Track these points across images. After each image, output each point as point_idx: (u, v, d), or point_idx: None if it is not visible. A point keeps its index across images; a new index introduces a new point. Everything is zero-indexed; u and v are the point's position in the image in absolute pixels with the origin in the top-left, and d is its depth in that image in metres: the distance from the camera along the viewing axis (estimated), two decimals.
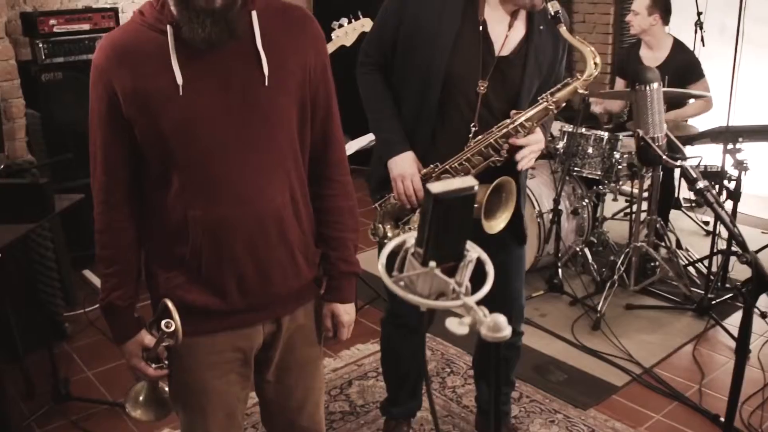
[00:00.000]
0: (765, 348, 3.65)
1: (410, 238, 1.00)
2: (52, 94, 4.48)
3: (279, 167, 1.76)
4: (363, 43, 2.50)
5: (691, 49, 4.63)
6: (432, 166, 2.34)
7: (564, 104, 2.31)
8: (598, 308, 3.92)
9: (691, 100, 4.55)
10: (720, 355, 3.68)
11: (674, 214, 4.90)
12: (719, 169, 4.17)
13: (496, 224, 2.32)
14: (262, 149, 1.73)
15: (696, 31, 4.78)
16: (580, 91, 2.26)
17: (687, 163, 1.75)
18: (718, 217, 1.81)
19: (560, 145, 4.23)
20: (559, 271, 4.23)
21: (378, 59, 2.41)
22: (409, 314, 2.62)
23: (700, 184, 1.75)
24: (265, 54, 1.70)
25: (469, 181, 0.91)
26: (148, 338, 1.81)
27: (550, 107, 2.25)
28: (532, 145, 2.27)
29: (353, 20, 3.77)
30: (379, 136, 2.47)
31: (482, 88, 2.29)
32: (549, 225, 4.15)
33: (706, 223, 5.14)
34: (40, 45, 4.49)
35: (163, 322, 1.68)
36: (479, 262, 1.03)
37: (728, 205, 4.13)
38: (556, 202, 4.07)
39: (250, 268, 1.76)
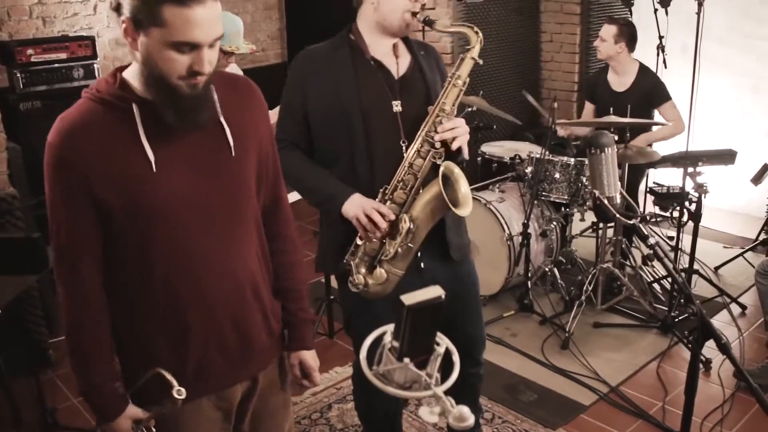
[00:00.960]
0: (725, 365, 3.83)
1: (387, 333, 1.13)
2: (31, 123, 4.56)
3: (248, 232, 1.85)
4: (276, 124, 2.59)
5: (655, 69, 4.80)
6: (381, 191, 2.42)
7: (468, 79, 2.43)
8: (567, 328, 4.08)
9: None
10: (682, 372, 3.84)
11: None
12: (681, 190, 4.35)
13: (465, 207, 2.38)
14: (233, 218, 1.80)
15: (658, 54, 4.96)
16: (476, 59, 2.42)
17: (638, 221, 1.90)
18: (668, 272, 1.96)
19: (528, 170, 4.38)
20: (530, 291, 4.38)
21: (294, 137, 2.51)
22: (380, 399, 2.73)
23: (652, 240, 1.90)
24: (228, 126, 1.77)
25: (436, 291, 1.04)
26: (136, 410, 1.80)
27: (457, 84, 2.40)
28: (459, 127, 2.39)
29: None
30: (320, 199, 2.52)
31: (397, 106, 2.45)
32: (519, 248, 4.30)
33: (671, 238, 5.32)
34: (18, 75, 4.57)
35: (174, 390, 1.69)
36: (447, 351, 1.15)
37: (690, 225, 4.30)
38: (525, 225, 4.22)
39: (232, 334, 1.84)
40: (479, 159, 4.88)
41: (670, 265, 1.90)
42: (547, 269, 4.53)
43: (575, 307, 4.16)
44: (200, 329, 1.80)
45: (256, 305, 1.89)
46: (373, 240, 2.40)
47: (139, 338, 1.81)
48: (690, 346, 1.99)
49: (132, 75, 1.69)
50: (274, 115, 3.83)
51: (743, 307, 4.43)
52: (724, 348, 1.90)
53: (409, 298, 1.02)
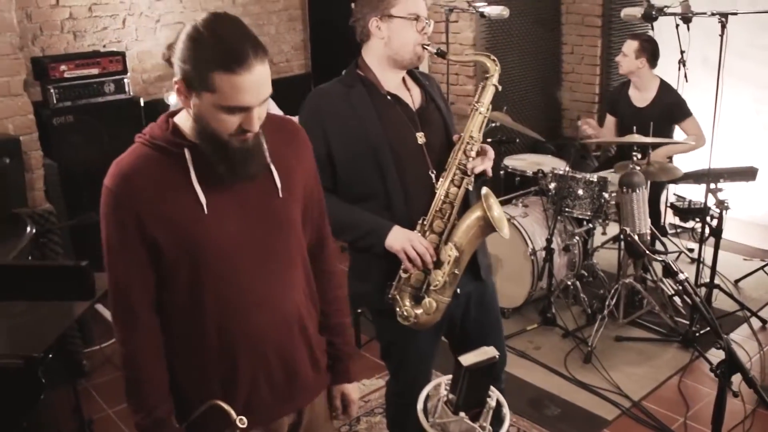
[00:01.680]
0: None
1: (442, 384, 1.21)
2: (64, 137, 4.66)
3: (294, 270, 1.92)
4: None
5: (676, 84, 4.85)
6: (419, 223, 2.47)
7: (491, 107, 2.52)
8: (590, 342, 4.15)
9: (683, 136, 4.80)
10: (703, 387, 3.91)
11: (660, 242, 5.13)
12: (702, 206, 4.41)
13: (504, 228, 2.45)
14: (280, 256, 1.87)
15: (679, 68, 5.00)
16: (497, 86, 2.50)
17: (668, 258, 1.97)
18: (695, 307, 2.03)
19: (552, 185, 4.45)
20: (552, 305, 4.46)
21: (325, 183, 2.47)
22: (413, 393, 2.80)
23: (681, 277, 1.97)
24: (275, 169, 1.84)
25: (490, 352, 1.12)
26: None
27: (481, 111, 2.48)
28: (488, 155, 2.49)
29: None
30: (359, 235, 2.53)
31: (421, 138, 2.51)
32: (542, 263, 4.38)
33: (691, 250, 5.38)
34: (52, 90, 4.67)
35: (237, 419, 1.72)
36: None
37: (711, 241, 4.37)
38: (549, 241, 4.29)
39: (279, 369, 1.91)
40: (502, 172, 4.96)
41: (698, 300, 1.97)
42: (569, 282, 4.60)
43: (598, 322, 4.22)
44: (249, 366, 1.87)
45: (303, 341, 1.96)
46: (418, 271, 2.45)
47: (191, 374, 1.88)
48: (717, 377, 2.05)
49: (183, 121, 1.77)
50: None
51: (764, 321, 4.48)
52: (750, 382, 1.97)
53: (467, 359, 1.11)
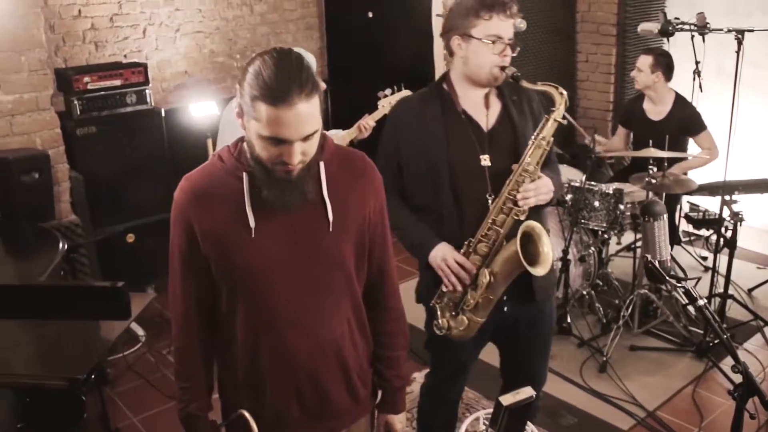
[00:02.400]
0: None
1: (480, 419, 1.28)
2: (87, 148, 4.75)
3: (338, 302, 1.99)
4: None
5: (690, 94, 4.89)
6: (466, 243, 2.52)
7: (553, 139, 2.50)
8: (605, 352, 4.21)
9: (696, 151, 4.84)
10: (717, 397, 3.97)
11: (674, 250, 5.18)
12: (717, 216, 4.46)
13: (543, 266, 2.46)
14: (321, 287, 1.95)
15: (694, 79, 5.04)
16: (560, 120, 2.49)
17: (688, 284, 2.04)
18: (716, 334, 2.10)
19: (568, 197, 4.51)
20: (567, 314, 4.52)
21: (389, 182, 2.50)
22: (448, 390, 2.89)
23: (700, 302, 2.04)
24: (330, 202, 1.90)
25: (528, 392, 1.19)
26: None
27: (541, 145, 2.46)
28: (540, 187, 2.47)
29: (396, 91, 4.10)
30: (410, 244, 2.64)
31: (485, 161, 2.53)
32: (558, 273, 4.44)
33: (705, 259, 5.43)
34: (75, 102, 4.76)
35: None
36: None
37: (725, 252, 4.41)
38: (565, 252, 4.36)
39: (309, 391, 1.99)
40: None
41: (717, 328, 2.03)
42: (584, 292, 4.67)
43: (613, 331, 4.28)
44: (278, 384, 1.97)
45: (338, 368, 2.02)
46: (457, 288, 2.51)
47: (226, 388, 2.04)
48: (735, 399, 2.11)
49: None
50: (335, 135, 4.02)
51: None
52: (767, 405, 2.03)
53: (507, 399, 1.18)
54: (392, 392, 2.18)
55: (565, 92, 2.50)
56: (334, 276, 1.97)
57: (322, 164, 1.90)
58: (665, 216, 2.30)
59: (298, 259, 1.90)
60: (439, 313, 2.56)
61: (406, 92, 4.08)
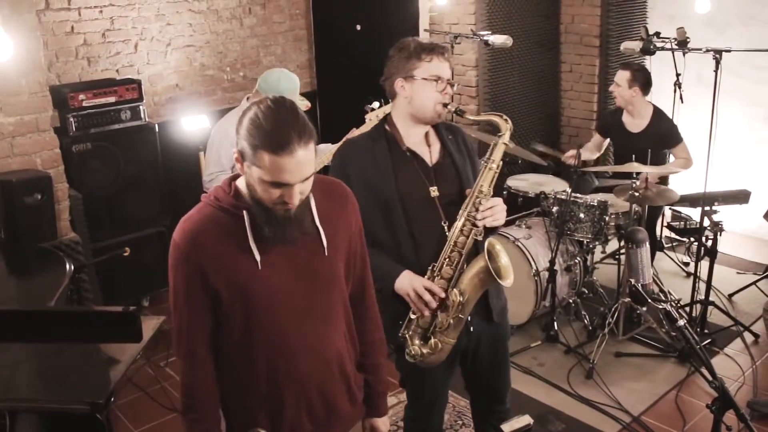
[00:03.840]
0: (740, 392, 4.10)
1: None
2: (82, 164, 4.83)
3: (337, 317, 2.16)
4: None
5: (671, 105, 5.03)
6: (429, 269, 2.66)
7: (502, 162, 2.70)
8: (591, 358, 4.35)
9: (672, 158, 5.01)
10: (699, 401, 4.11)
11: (656, 256, 5.33)
12: (698, 226, 4.62)
13: (507, 278, 2.63)
14: (324, 307, 2.11)
15: (675, 90, 5.19)
16: (507, 143, 2.68)
17: (668, 306, 2.17)
18: (696, 355, 2.24)
19: (554, 209, 4.65)
20: (555, 322, 4.66)
21: None
22: (429, 418, 3.00)
23: (681, 323, 2.17)
24: (322, 228, 2.08)
25: (527, 420, 1.32)
26: None
27: (492, 167, 2.66)
28: (496, 206, 2.64)
29: (383, 104, 4.18)
30: (377, 279, 2.61)
31: (434, 192, 2.70)
32: (545, 283, 4.58)
33: (686, 264, 5.59)
34: (71, 119, 4.83)
35: None
36: None
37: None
38: (552, 262, 4.50)
39: (319, 403, 2.15)
40: (505, 193, 5.14)
41: (697, 347, 2.17)
42: (570, 300, 4.81)
43: (599, 339, 4.43)
44: (293, 401, 2.11)
45: (341, 379, 2.19)
46: (425, 314, 2.64)
47: (240, 406, 2.15)
48: (712, 413, 2.26)
49: (243, 185, 2.01)
50: (323, 149, 4.12)
51: (756, 335, 4.68)
52: (742, 417, 2.18)
53: (508, 427, 1.30)
54: (376, 397, 2.35)
55: (509, 120, 2.70)
56: (333, 295, 2.14)
57: (311, 196, 2.05)
58: (647, 243, 2.44)
59: (302, 284, 2.06)
60: (409, 341, 2.66)
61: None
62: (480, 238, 2.63)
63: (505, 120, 2.68)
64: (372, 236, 2.70)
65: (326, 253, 2.08)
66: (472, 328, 2.77)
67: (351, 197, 2.23)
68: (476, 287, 2.62)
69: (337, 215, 2.14)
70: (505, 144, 2.67)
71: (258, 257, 1.98)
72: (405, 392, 3.06)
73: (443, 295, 2.60)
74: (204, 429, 2.11)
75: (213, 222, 1.99)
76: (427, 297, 2.60)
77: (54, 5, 5.24)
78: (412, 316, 2.67)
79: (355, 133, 4.12)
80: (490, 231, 2.68)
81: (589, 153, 5.39)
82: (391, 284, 2.66)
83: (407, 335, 2.67)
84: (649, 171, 4.42)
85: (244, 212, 1.98)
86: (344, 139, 4.03)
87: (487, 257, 2.55)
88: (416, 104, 2.67)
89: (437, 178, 2.72)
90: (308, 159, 1.89)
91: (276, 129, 1.84)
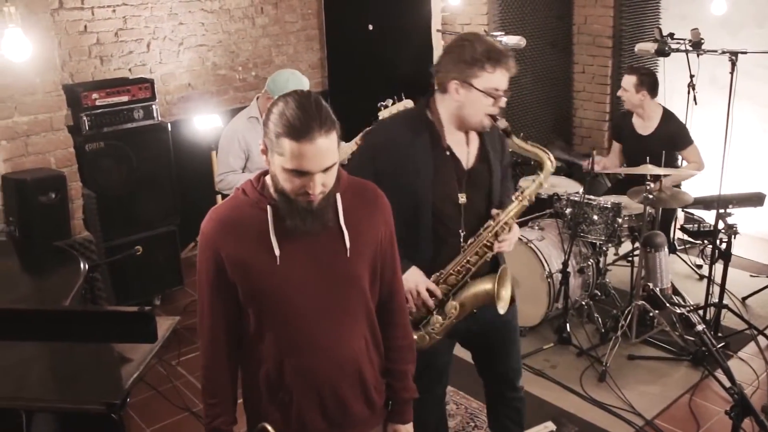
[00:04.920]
0: (755, 397, 4.07)
1: None
2: (95, 163, 4.84)
3: (355, 321, 2.14)
4: None
5: (685, 107, 5.01)
6: (436, 274, 2.68)
7: (534, 198, 2.69)
8: (604, 361, 4.34)
9: (684, 162, 4.99)
10: (713, 405, 4.09)
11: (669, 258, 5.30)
12: (712, 228, 4.59)
13: (505, 303, 2.69)
14: (341, 308, 2.10)
15: (689, 92, 5.17)
16: (545, 185, 2.69)
17: (685, 310, 2.16)
18: (714, 360, 2.22)
19: (567, 210, 4.64)
20: (567, 325, 4.64)
21: None
22: (425, 405, 2.92)
23: (699, 328, 2.16)
24: (347, 229, 2.06)
25: (548, 426, 1.31)
26: None
27: (524, 203, 2.65)
28: (514, 236, 2.69)
29: (396, 101, 4.16)
30: None
31: (462, 199, 2.66)
32: (558, 285, 4.56)
33: (699, 267, 5.55)
34: (84, 117, 4.84)
35: None
36: None
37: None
38: (565, 264, 4.48)
39: (332, 402, 2.14)
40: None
41: (714, 350, 2.16)
42: (583, 302, 4.79)
43: (612, 341, 4.41)
44: (304, 398, 2.12)
45: (357, 382, 2.17)
46: (420, 311, 2.67)
47: (252, 399, 2.18)
48: (731, 419, 2.24)
49: (270, 180, 2.04)
50: (341, 147, 4.10)
51: None
52: (762, 424, 2.16)
53: None
54: (401, 403, 2.33)
55: (553, 160, 2.66)
56: (351, 297, 2.12)
57: (338, 195, 2.07)
58: (666, 247, 2.43)
59: (319, 283, 2.06)
60: None
61: (407, 102, 4.15)
62: (488, 259, 2.68)
63: (550, 159, 2.63)
64: None
65: (348, 255, 2.07)
66: (475, 310, 2.76)
67: (382, 201, 2.20)
68: (474, 303, 2.68)
69: (364, 218, 2.13)
70: (541, 184, 2.65)
71: (277, 252, 2.00)
72: None
73: (440, 297, 2.65)
74: (220, 412, 2.14)
75: (238, 214, 2.03)
76: (427, 299, 2.63)
77: (67, 4, 5.26)
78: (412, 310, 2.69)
79: (366, 132, 4.10)
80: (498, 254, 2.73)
81: (613, 164, 5.34)
82: None
83: None
84: (663, 173, 4.39)
85: (268, 206, 2.01)
86: (360, 135, 4.06)
87: (497, 284, 2.61)
88: (465, 112, 2.59)
89: (469, 184, 2.67)
90: (329, 148, 1.91)
91: (298, 117, 1.87)
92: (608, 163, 5.28)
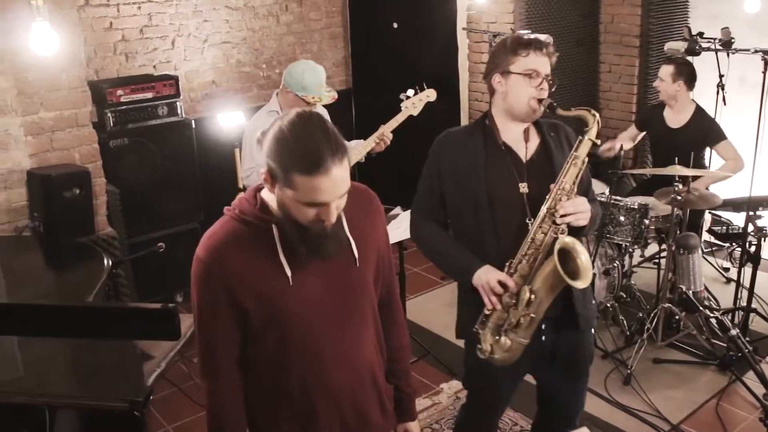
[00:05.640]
0: None
1: None
2: (119, 159, 4.85)
3: (368, 328, 2.11)
4: (415, 198, 2.83)
5: (714, 107, 4.93)
6: (507, 265, 2.58)
7: (587, 158, 2.57)
8: (629, 364, 4.27)
9: (721, 161, 4.89)
10: (741, 411, 4.01)
11: None
12: (741, 231, 4.52)
13: (583, 279, 2.52)
14: (356, 318, 2.06)
15: (718, 92, 5.09)
16: (594, 140, 2.57)
17: (719, 314, 2.11)
18: (748, 365, 2.17)
19: None
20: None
21: (431, 211, 2.75)
22: (482, 424, 2.98)
23: (733, 332, 2.11)
24: (353, 239, 1.99)
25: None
26: None
27: (576, 164, 2.54)
28: (577, 204, 2.52)
29: (419, 91, 4.14)
30: (453, 269, 2.77)
31: (523, 188, 2.62)
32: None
33: (727, 270, 5.47)
34: (109, 114, 4.85)
35: None
36: None
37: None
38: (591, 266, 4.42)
39: (352, 415, 2.11)
40: None
41: (749, 355, 2.10)
42: (608, 304, 4.73)
43: (637, 344, 4.35)
44: (326, 415, 2.07)
45: (373, 390, 2.15)
46: (498, 309, 2.56)
47: (271, 419, 2.09)
48: (766, 426, 2.19)
49: (270, 197, 1.92)
50: (354, 145, 4.08)
51: None
52: None
53: None
54: (408, 401, 2.31)
55: (597, 114, 2.60)
56: (363, 305, 2.09)
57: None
58: (700, 250, 2.37)
59: (334, 297, 2.00)
60: (481, 337, 2.61)
61: (429, 92, 4.11)
62: (561, 236, 2.51)
63: (593, 115, 2.59)
64: (457, 225, 2.75)
65: (357, 264, 2.02)
66: (544, 337, 2.68)
67: (376, 202, 2.16)
68: (549, 288, 2.52)
69: (365, 223, 2.08)
70: (591, 140, 2.57)
71: (289, 273, 1.91)
72: (466, 392, 3.05)
73: (514, 288, 2.52)
74: None
75: (238, 237, 1.90)
76: (498, 289, 2.53)
77: (93, 1, 5.27)
78: (487, 312, 2.61)
79: (384, 129, 4.07)
80: (576, 231, 2.58)
81: (621, 141, 5.30)
82: (469, 277, 2.62)
83: (482, 331, 2.62)
84: (694, 174, 4.31)
85: (273, 226, 1.91)
86: (378, 131, 4.04)
87: (557, 258, 2.44)
88: (510, 100, 2.63)
89: (529, 173, 2.64)
90: (344, 177, 1.80)
91: (306, 148, 1.75)
92: (619, 141, 5.22)
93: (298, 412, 2.05)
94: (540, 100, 2.59)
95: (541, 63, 2.60)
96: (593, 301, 2.84)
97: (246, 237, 1.90)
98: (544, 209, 2.53)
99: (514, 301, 2.53)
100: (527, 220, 2.60)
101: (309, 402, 2.04)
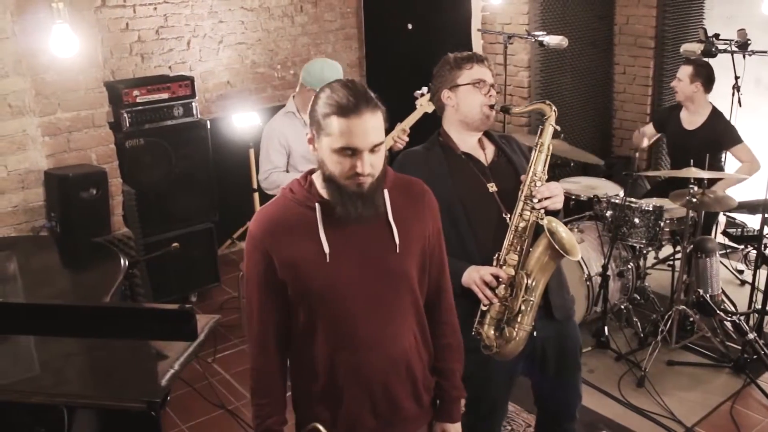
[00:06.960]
0: None
1: None
2: (135, 159, 4.88)
3: (405, 316, 2.14)
4: None
5: (729, 109, 4.91)
6: (494, 258, 2.64)
7: (551, 145, 2.70)
8: (642, 366, 4.27)
9: (737, 164, 4.88)
10: (756, 414, 4.00)
11: None
12: (756, 233, 4.50)
13: (573, 252, 2.60)
14: (390, 304, 2.10)
15: (733, 94, 5.06)
16: (555, 127, 2.70)
17: (736, 318, 2.10)
18: (762, 364, 2.16)
19: (608, 213, 4.57)
20: (606, 329, 4.58)
21: None
22: (484, 428, 2.94)
23: (751, 336, 2.10)
24: (395, 225, 2.07)
25: None
26: None
27: (542, 150, 2.67)
28: (551, 187, 2.64)
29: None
30: None
31: (492, 187, 2.73)
32: (597, 288, 4.50)
33: (741, 272, 5.44)
34: (125, 114, 4.88)
35: None
36: None
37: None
38: (605, 268, 4.42)
39: (382, 400, 2.13)
40: None
41: (765, 358, 2.10)
42: (622, 306, 4.72)
43: (651, 346, 4.34)
44: (354, 398, 2.11)
45: (407, 378, 2.16)
46: (495, 303, 2.59)
47: (301, 398, 2.19)
48: None
49: (317, 178, 2.06)
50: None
51: None
52: None
53: None
54: (449, 402, 2.31)
55: (552, 104, 2.73)
56: (401, 294, 2.12)
57: (386, 192, 2.07)
58: (718, 253, 2.37)
59: (369, 280, 2.05)
60: (483, 334, 2.64)
61: None
62: (541, 221, 2.60)
63: (549, 105, 2.71)
64: None
65: (398, 250, 2.07)
66: (535, 333, 2.69)
67: (429, 196, 2.22)
68: (543, 267, 2.59)
69: (412, 213, 2.13)
70: (552, 126, 2.69)
71: (327, 250, 2.01)
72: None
73: (507, 279, 2.57)
74: (270, 413, 2.14)
75: (286, 213, 2.05)
76: (492, 282, 2.57)
77: (110, 2, 5.32)
78: (483, 308, 2.64)
79: (400, 128, 4.10)
80: (552, 214, 2.67)
81: (642, 141, 5.29)
82: (458, 281, 2.64)
83: (480, 329, 2.64)
84: (708, 176, 4.30)
85: (317, 204, 2.02)
86: (396, 129, 4.06)
87: (549, 234, 2.53)
88: (463, 110, 2.75)
89: (494, 174, 2.76)
90: (376, 124, 1.95)
91: (345, 96, 1.92)
92: (637, 141, 5.23)
93: (325, 391, 2.11)
94: (491, 106, 2.73)
95: (485, 73, 2.75)
96: (569, 293, 2.93)
97: (292, 213, 2.04)
98: (521, 197, 2.63)
99: (508, 293, 2.59)
100: (503, 215, 2.69)
101: (336, 382, 2.09)
